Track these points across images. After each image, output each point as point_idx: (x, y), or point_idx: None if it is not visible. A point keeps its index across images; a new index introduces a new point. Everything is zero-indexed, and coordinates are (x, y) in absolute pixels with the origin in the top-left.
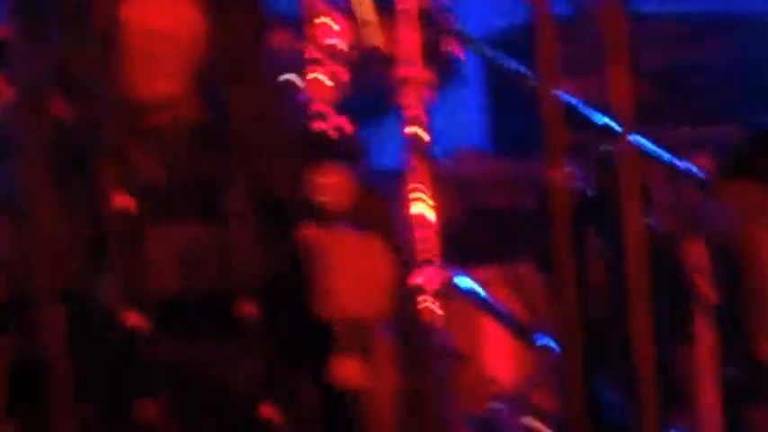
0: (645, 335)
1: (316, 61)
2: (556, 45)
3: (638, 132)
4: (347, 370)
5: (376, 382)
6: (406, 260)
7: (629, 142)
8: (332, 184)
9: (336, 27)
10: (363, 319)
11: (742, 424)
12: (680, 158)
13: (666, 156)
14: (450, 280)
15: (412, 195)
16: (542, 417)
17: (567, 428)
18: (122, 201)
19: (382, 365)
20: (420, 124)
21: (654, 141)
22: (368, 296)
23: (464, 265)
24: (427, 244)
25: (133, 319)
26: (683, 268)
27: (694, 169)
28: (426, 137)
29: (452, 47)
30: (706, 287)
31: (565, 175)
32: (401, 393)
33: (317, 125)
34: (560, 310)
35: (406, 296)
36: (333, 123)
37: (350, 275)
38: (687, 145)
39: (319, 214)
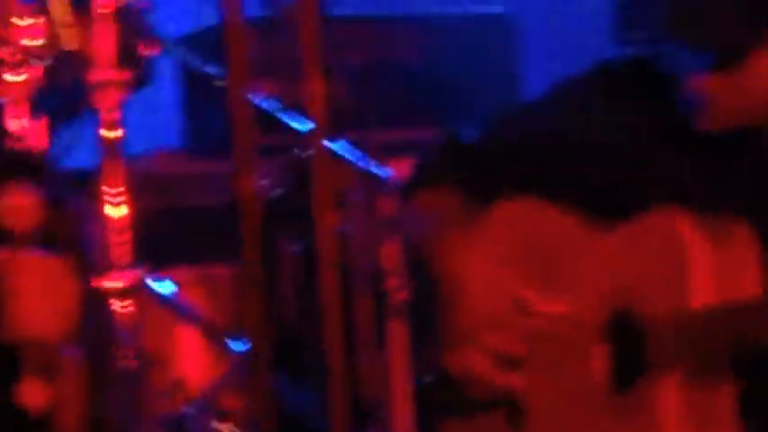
0: (336, 339)
1: (10, 62)
2: (246, 47)
3: (334, 136)
4: (32, 392)
5: (62, 403)
6: (96, 267)
7: (324, 146)
8: (16, 207)
9: (32, 28)
10: (47, 339)
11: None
12: (378, 163)
13: (363, 160)
14: (143, 282)
15: (106, 196)
16: (233, 419)
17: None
18: None
19: (68, 387)
20: (114, 125)
21: (351, 145)
22: (50, 317)
23: (158, 266)
24: (120, 246)
25: None
26: (379, 273)
27: (392, 174)
28: (120, 137)
29: (147, 48)
30: (400, 293)
31: (253, 179)
32: (86, 415)
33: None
34: (248, 313)
35: (93, 312)
36: (22, 133)
37: (32, 297)
38: (387, 149)
39: (5, 237)
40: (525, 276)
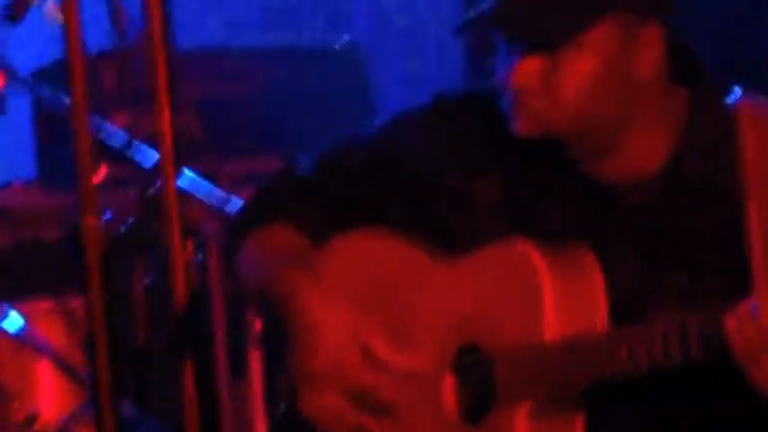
0: (189, 369)
1: None
2: (97, 79)
3: (184, 166)
4: None
5: None
6: None
7: (173, 179)
8: None
9: None
10: None
11: None
12: (228, 192)
13: (213, 192)
14: None
15: None
16: None
17: None
18: None
19: None
20: None
21: (201, 177)
22: None
23: (12, 298)
24: None
25: None
26: (236, 303)
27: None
28: None
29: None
30: (256, 323)
31: (96, 211)
32: None
33: None
34: (95, 345)
35: None
36: None
37: None
38: (236, 179)
39: None
40: (370, 317)
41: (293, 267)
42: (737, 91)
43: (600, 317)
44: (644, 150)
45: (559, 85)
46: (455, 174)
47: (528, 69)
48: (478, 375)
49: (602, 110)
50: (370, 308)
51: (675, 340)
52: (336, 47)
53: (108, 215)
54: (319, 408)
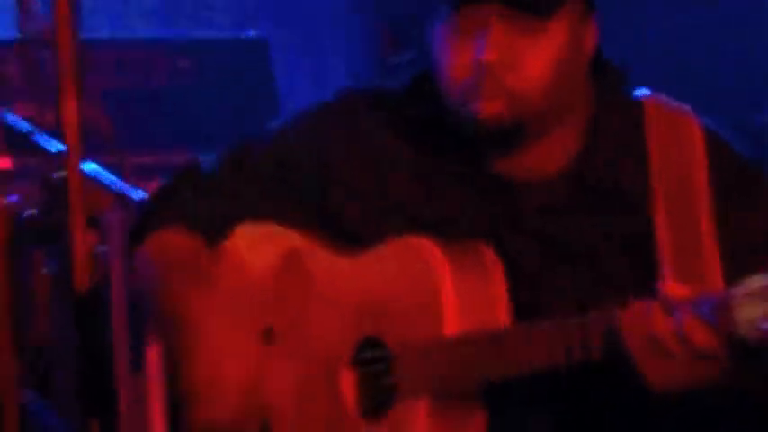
0: (87, 361)
1: None
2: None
3: (90, 158)
4: None
5: None
6: None
7: (77, 168)
8: None
9: None
10: None
11: None
12: (134, 186)
13: (117, 182)
14: None
15: None
16: None
17: None
18: None
19: None
20: None
21: (104, 167)
22: None
23: None
24: None
25: None
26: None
27: (145, 197)
28: None
29: None
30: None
31: (1, 198)
32: None
33: None
34: None
35: None
36: None
37: None
38: (141, 171)
39: None
40: (267, 308)
41: (180, 275)
42: (643, 88)
43: (500, 314)
44: (554, 146)
45: (533, 62)
46: (360, 170)
47: (503, 43)
48: (378, 370)
49: (561, 91)
50: (262, 309)
51: (575, 337)
52: (243, 39)
53: (14, 199)
54: (207, 420)
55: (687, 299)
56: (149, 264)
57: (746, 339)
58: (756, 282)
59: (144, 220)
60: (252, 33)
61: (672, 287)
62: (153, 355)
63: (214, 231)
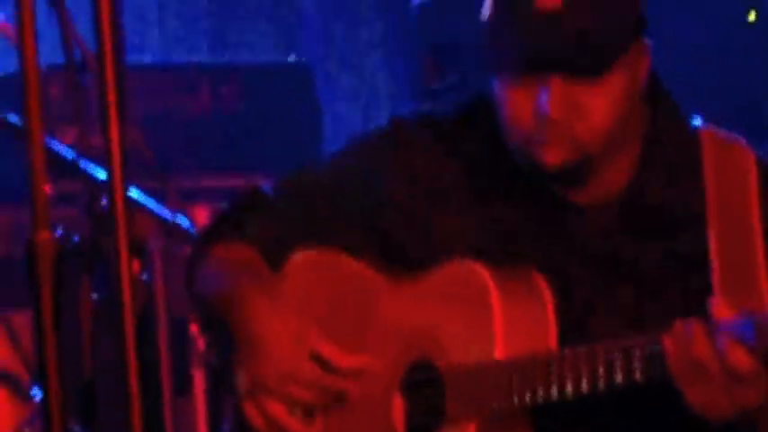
0: (135, 388)
1: None
2: (46, 94)
3: (132, 183)
4: None
5: None
6: None
7: (121, 194)
8: None
9: None
10: None
11: None
12: (176, 211)
13: (161, 208)
14: None
15: None
16: None
17: None
18: None
19: None
20: None
21: (148, 193)
22: None
23: None
24: None
25: None
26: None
27: (190, 223)
28: None
29: None
30: (201, 341)
31: (48, 227)
32: None
33: None
34: (44, 360)
35: None
36: None
37: None
38: (183, 196)
39: None
40: (324, 331)
41: (246, 282)
42: (697, 117)
43: (549, 338)
44: (614, 171)
45: (595, 111)
46: (415, 197)
47: (565, 97)
48: (428, 393)
49: (623, 128)
50: (321, 325)
51: (619, 361)
52: (286, 64)
53: (59, 231)
54: (265, 419)
55: (730, 319)
56: (214, 270)
57: None
58: None
59: (206, 239)
60: (295, 58)
61: (719, 308)
62: (198, 380)
63: (274, 254)
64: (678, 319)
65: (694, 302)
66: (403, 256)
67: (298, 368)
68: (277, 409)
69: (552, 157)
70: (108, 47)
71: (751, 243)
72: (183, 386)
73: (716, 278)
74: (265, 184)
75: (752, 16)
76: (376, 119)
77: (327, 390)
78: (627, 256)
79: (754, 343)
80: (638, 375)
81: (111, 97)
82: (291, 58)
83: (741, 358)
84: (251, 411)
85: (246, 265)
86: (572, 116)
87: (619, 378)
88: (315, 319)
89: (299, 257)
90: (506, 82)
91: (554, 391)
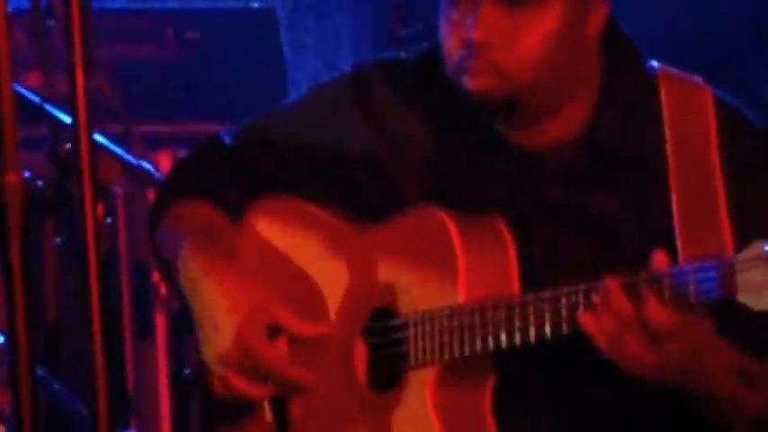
0: (97, 332)
1: None
2: (10, 40)
3: (97, 129)
4: None
5: None
6: None
7: (88, 140)
8: None
9: None
10: None
11: (191, 422)
12: (140, 157)
13: (126, 154)
14: None
15: None
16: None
17: (19, 427)
18: None
19: None
20: None
21: (113, 138)
22: None
23: None
24: None
25: None
26: (144, 266)
27: (154, 168)
28: None
29: None
30: (162, 287)
31: (17, 172)
32: None
33: None
34: (9, 306)
35: None
36: None
37: None
38: (148, 142)
39: None
40: (285, 285)
41: (201, 246)
42: (654, 60)
43: (511, 282)
44: (568, 117)
45: (522, 40)
46: (376, 144)
47: (490, 22)
48: (390, 339)
49: (558, 67)
50: (279, 281)
51: (564, 309)
52: (250, 9)
53: (26, 174)
54: (228, 386)
55: (693, 263)
56: (172, 232)
57: (747, 304)
58: (762, 246)
59: (167, 191)
60: (259, 4)
61: (660, 260)
62: (160, 325)
63: (234, 202)
64: (607, 276)
65: (655, 246)
66: (366, 204)
67: (256, 345)
68: (240, 383)
69: (475, 83)
70: None
71: (711, 183)
72: (144, 330)
73: (677, 220)
74: (225, 132)
75: None
76: (340, 66)
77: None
78: (584, 201)
79: (718, 285)
80: (569, 328)
81: (77, 42)
82: (255, 4)
83: (660, 316)
84: (217, 385)
85: (205, 225)
86: (497, 41)
87: (562, 328)
88: (276, 275)
89: (260, 207)
90: (445, 8)
91: (517, 335)
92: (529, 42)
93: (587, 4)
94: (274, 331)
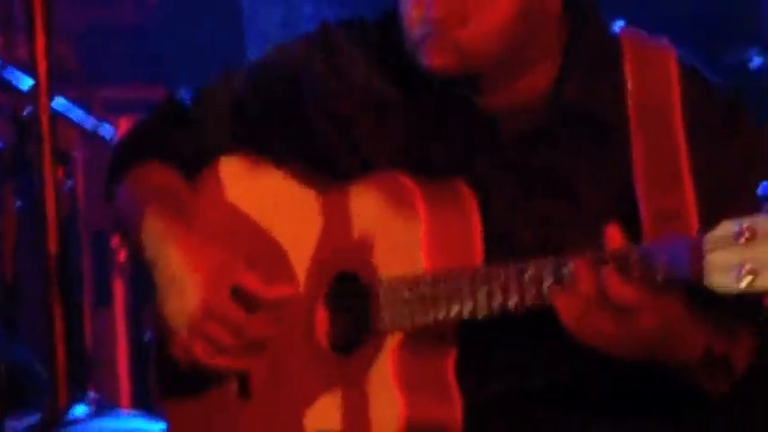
0: (56, 296)
1: None
2: None
3: (58, 93)
4: None
5: None
6: None
7: (46, 103)
8: None
9: None
10: None
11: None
12: (101, 121)
13: (85, 118)
14: None
15: None
16: None
17: None
18: None
19: None
20: None
21: (73, 103)
22: None
23: None
24: None
25: None
26: (103, 231)
27: (115, 133)
28: None
29: None
30: (122, 252)
31: None
32: None
33: None
34: None
35: None
36: None
37: None
38: (109, 106)
39: None
40: (246, 248)
41: (161, 210)
42: (620, 22)
43: (475, 250)
44: (530, 79)
45: (481, 17)
46: (339, 103)
47: (451, 0)
48: (353, 305)
49: (518, 42)
50: (242, 243)
51: (528, 284)
52: None
53: None
54: (189, 350)
55: (653, 243)
56: (130, 197)
57: (714, 287)
58: (731, 227)
59: (123, 154)
60: None
61: (613, 236)
62: (118, 290)
63: (193, 164)
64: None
65: (620, 209)
66: (329, 165)
67: (219, 308)
68: (201, 349)
69: (433, 59)
70: None
71: (673, 141)
72: (103, 296)
73: (638, 177)
74: (183, 93)
75: None
76: (299, 29)
77: (249, 334)
78: (546, 160)
79: (687, 265)
80: (536, 299)
81: (37, 7)
82: None
83: (622, 291)
84: (177, 350)
85: (163, 190)
86: (454, 19)
87: (526, 300)
88: (237, 239)
89: (218, 169)
90: None
91: (481, 307)
92: (487, 19)
93: None
94: (238, 293)
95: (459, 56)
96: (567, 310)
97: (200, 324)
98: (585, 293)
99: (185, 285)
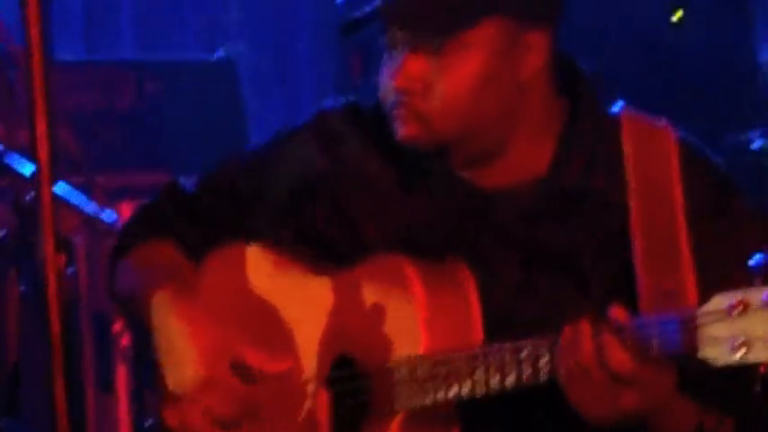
0: (60, 380)
1: None
2: None
3: (60, 179)
4: None
5: None
6: None
7: (49, 189)
8: None
9: None
10: None
11: None
12: (103, 207)
13: (87, 204)
14: None
15: None
16: None
17: None
18: None
19: None
20: None
21: (75, 189)
22: None
23: None
24: None
25: None
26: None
27: (117, 219)
28: None
29: None
30: (125, 337)
31: None
32: None
33: None
34: None
35: None
36: None
37: None
38: (109, 192)
39: None
40: (247, 331)
41: (165, 284)
42: (620, 102)
43: (474, 331)
44: (523, 158)
45: (443, 86)
46: (339, 183)
47: (411, 69)
48: (353, 388)
49: (484, 112)
50: (244, 323)
51: (527, 359)
52: (210, 60)
53: None
54: (185, 420)
55: (648, 317)
56: (134, 271)
57: (709, 360)
58: (724, 301)
59: (127, 237)
60: (221, 54)
61: (618, 313)
62: (121, 375)
63: (197, 251)
64: (567, 324)
65: (618, 288)
66: (328, 250)
67: (218, 379)
68: (196, 420)
69: (402, 131)
70: (35, 41)
71: (673, 221)
72: (106, 382)
73: (638, 261)
74: (186, 179)
75: (676, 16)
76: (300, 115)
77: (248, 403)
78: (546, 242)
79: (679, 338)
80: (541, 375)
81: (38, 92)
82: (219, 53)
83: (620, 358)
84: (171, 419)
85: (168, 266)
86: (419, 88)
87: (527, 378)
88: (238, 321)
89: (218, 255)
90: (384, 54)
91: (479, 386)
92: (450, 88)
93: (515, 45)
94: (238, 368)
95: (425, 126)
96: (568, 376)
97: (199, 394)
98: (582, 358)
99: (186, 355)
